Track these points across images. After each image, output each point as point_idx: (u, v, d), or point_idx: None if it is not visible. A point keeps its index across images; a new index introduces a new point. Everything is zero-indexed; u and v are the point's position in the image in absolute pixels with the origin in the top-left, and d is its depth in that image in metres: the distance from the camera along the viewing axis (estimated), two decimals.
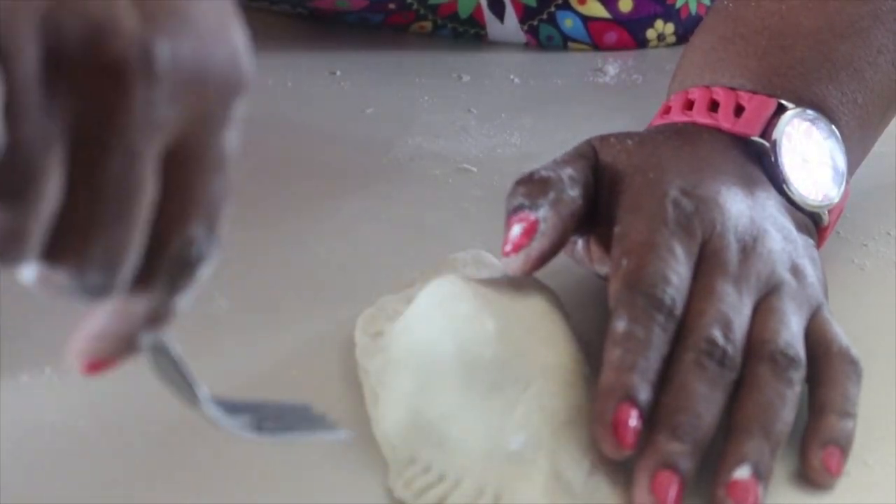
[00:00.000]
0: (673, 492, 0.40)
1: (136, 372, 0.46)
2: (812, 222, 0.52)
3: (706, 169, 0.49)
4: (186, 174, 0.34)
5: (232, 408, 0.38)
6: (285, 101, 0.68)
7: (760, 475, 0.41)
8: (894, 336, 0.50)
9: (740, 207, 0.48)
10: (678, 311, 0.43)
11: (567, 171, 0.47)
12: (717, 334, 0.43)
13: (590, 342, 0.46)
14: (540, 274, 0.50)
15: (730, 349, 0.43)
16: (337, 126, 0.66)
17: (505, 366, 0.42)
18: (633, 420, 0.40)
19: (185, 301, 0.36)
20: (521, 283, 0.47)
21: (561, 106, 0.70)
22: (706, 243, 0.46)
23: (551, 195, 0.46)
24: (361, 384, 0.45)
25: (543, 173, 0.47)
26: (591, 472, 0.40)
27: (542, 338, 0.44)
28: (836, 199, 0.52)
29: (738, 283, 0.45)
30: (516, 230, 0.46)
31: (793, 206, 0.51)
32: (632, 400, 0.40)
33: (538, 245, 0.45)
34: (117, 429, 0.43)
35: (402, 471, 0.41)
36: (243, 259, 0.53)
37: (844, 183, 0.53)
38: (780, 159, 0.51)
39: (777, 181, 0.51)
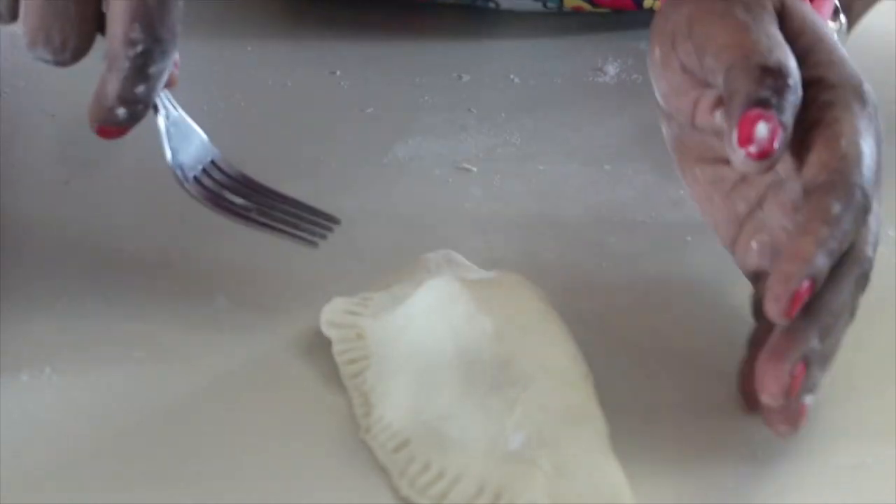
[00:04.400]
0: None
1: (136, 372, 0.46)
2: None
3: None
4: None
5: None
6: (285, 101, 0.68)
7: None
8: (894, 336, 0.50)
9: None
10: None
11: (793, 59, 0.45)
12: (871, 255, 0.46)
13: (585, 342, 0.46)
14: (539, 274, 0.50)
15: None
16: (337, 126, 0.66)
17: (504, 366, 0.42)
18: (805, 298, 0.42)
19: (144, 91, 0.47)
20: (514, 284, 0.47)
21: (561, 106, 0.70)
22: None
23: (793, 98, 0.44)
24: (347, 389, 0.45)
25: (794, 73, 0.45)
26: (591, 472, 0.40)
27: (541, 338, 0.44)
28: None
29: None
30: (763, 130, 0.43)
31: None
32: (813, 281, 0.42)
33: (779, 156, 0.44)
34: (117, 429, 0.43)
35: (404, 470, 0.41)
36: (243, 259, 0.53)
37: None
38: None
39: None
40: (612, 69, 0.75)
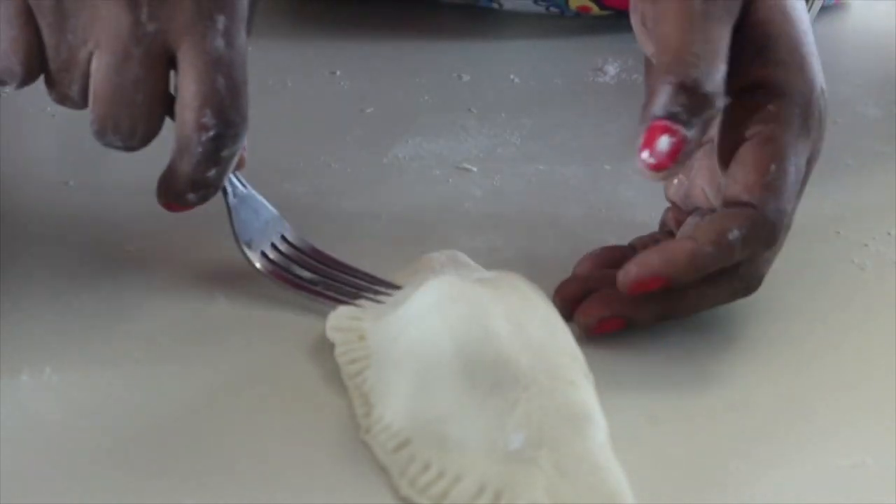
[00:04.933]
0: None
1: (136, 372, 0.46)
2: None
3: (809, 32, 0.49)
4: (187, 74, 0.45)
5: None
6: (285, 101, 0.68)
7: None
8: (894, 336, 0.50)
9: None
10: None
11: (721, 72, 0.45)
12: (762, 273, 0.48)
13: (585, 342, 0.46)
14: (539, 274, 0.50)
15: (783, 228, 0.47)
16: (337, 126, 0.66)
17: (504, 366, 0.42)
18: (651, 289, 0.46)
19: (215, 175, 0.47)
20: (515, 284, 0.47)
21: (561, 106, 0.70)
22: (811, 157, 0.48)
23: (706, 114, 0.45)
24: (347, 389, 0.45)
25: (709, 87, 0.45)
26: (592, 472, 0.40)
27: (541, 337, 0.44)
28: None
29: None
30: (664, 144, 0.44)
31: None
32: (669, 282, 0.46)
33: (678, 169, 0.45)
34: (117, 429, 0.43)
35: (404, 470, 0.41)
36: (243, 259, 0.53)
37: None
38: None
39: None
40: (612, 69, 0.75)
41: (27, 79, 0.46)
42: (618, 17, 0.81)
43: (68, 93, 0.47)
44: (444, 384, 0.42)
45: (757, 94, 0.47)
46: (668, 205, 0.54)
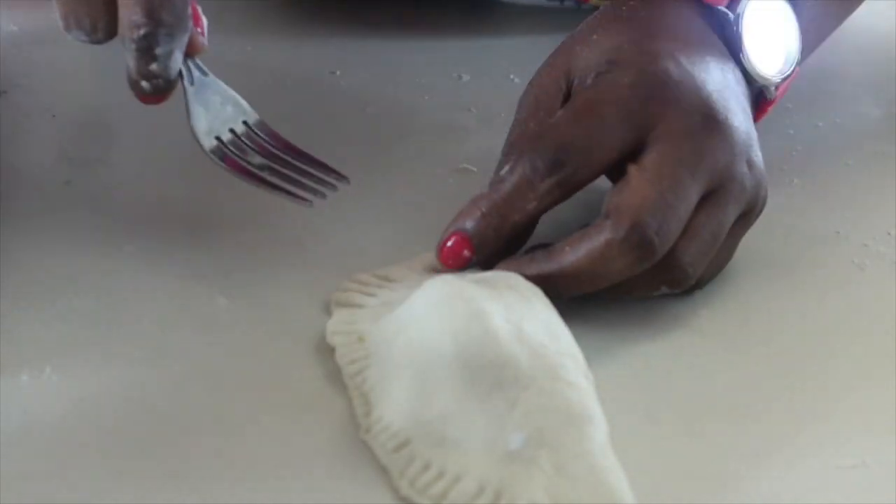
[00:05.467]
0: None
1: (136, 372, 0.46)
2: (756, 97, 0.55)
3: (686, 36, 0.52)
4: None
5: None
6: (285, 101, 0.68)
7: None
8: (894, 336, 0.50)
9: (713, 78, 0.51)
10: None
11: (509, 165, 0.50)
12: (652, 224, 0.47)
13: (585, 342, 0.46)
14: None
15: (657, 245, 0.47)
16: (337, 126, 0.66)
17: (504, 366, 0.42)
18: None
19: (158, 68, 0.49)
20: (513, 283, 0.47)
21: None
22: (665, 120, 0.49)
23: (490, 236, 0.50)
24: (347, 388, 0.45)
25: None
26: (592, 472, 0.40)
27: (541, 337, 0.44)
28: (787, 74, 0.55)
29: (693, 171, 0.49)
30: (449, 243, 0.50)
31: (745, 78, 0.54)
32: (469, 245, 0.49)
33: (454, 225, 0.50)
34: (117, 429, 0.43)
35: (404, 470, 0.41)
36: (243, 258, 0.53)
37: (796, 62, 0.56)
38: (740, 30, 0.54)
39: (735, 52, 0.54)
40: None
41: None
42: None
43: None
44: (443, 384, 0.42)
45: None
46: None
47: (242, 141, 0.53)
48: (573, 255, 0.48)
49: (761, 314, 0.51)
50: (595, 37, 0.52)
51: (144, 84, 0.50)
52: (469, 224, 0.49)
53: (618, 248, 0.47)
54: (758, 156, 0.51)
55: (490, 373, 0.42)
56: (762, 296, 0.52)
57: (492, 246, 0.49)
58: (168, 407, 0.44)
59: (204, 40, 0.53)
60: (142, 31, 0.49)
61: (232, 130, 0.53)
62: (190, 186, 0.58)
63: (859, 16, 0.66)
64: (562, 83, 0.52)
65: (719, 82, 0.51)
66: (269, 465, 0.42)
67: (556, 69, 0.53)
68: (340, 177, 0.52)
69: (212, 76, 0.53)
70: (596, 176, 0.49)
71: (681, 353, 0.48)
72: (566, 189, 0.49)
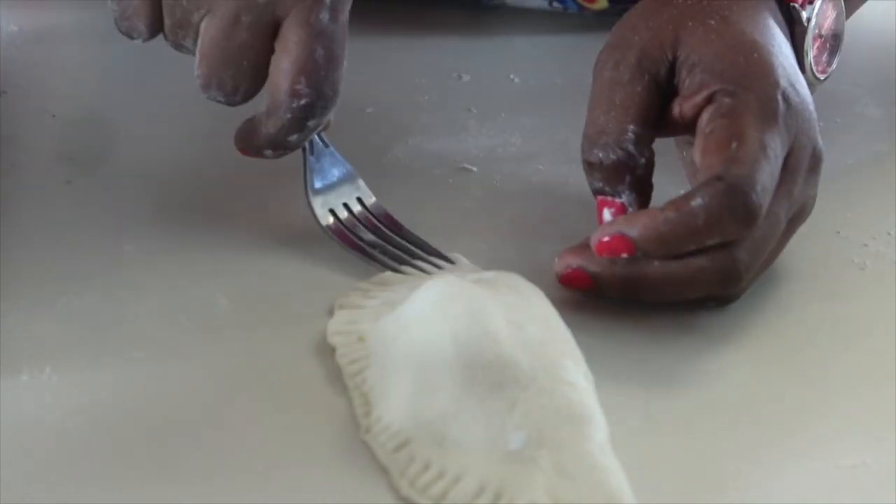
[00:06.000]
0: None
1: (136, 372, 0.46)
2: None
3: (776, 45, 0.51)
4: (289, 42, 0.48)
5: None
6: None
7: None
8: (894, 336, 0.50)
9: (807, 98, 0.51)
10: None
11: (630, 132, 0.49)
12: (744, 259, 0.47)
13: (585, 342, 0.46)
14: (539, 274, 0.50)
15: (744, 280, 0.48)
16: (337, 126, 0.66)
17: (504, 366, 0.42)
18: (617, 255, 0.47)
19: (296, 140, 0.50)
20: (513, 283, 0.47)
21: (561, 105, 0.70)
22: (794, 147, 0.49)
23: (628, 178, 0.49)
24: (348, 388, 0.45)
25: (615, 155, 0.49)
26: (592, 472, 0.40)
27: (541, 337, 0.44)
28: (831, 71, 0.57)
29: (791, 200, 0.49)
30: (606, 215, 0.50)
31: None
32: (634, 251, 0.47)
33: (624, 230, 0.47)
34: (117, 429, 0.43)
35: (404, 470, 0.41)
36: (243, 258, 0.53)
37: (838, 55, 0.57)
38: (810, 31, 0.54)
39: (800, 52, 0.54)
40: None
41: (149, 36, 0.51)
42: (620, 14, 0.81)
43: (182, 44, 0.50)
44: (444, 384, 0.42)
45: (715, 98, 0.49)
46: None
47: (356, 217, 0.53)
48: (663, 275, 0.47)
49: (761, 314, 0.51)
50: (712, 22, 0.51)
51: (268, 152, 0.50)
52: (643, 238, 0.47)
53: (708, 276, 0.47)
54: (817, 173, 0.52)
55: (490, 373, 0.42)
56: (762, 296, 0.52)
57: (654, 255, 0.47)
58: (168, 407, 0.44)
59: (331, 116, 0.52)
60: (303, 102, 0.48)
61: (346, 205, 0.54)
62: (190, 186, 0.58)
63: (859, 16, 0.66)
64: (668, 52, 0.51)
65: (809, 100, 0.51)
66: (269, 465, 0.42)
67: (662, 34, 0.51)
68: (447, 260, 0.52)
69: (332, 148, 0.54)
70: None
71: (680, 353, 0.48)
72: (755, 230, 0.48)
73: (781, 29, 0.53)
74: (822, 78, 0.56)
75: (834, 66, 0.57)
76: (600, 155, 0.50)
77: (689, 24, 0.51)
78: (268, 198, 0.57)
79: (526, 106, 0.70)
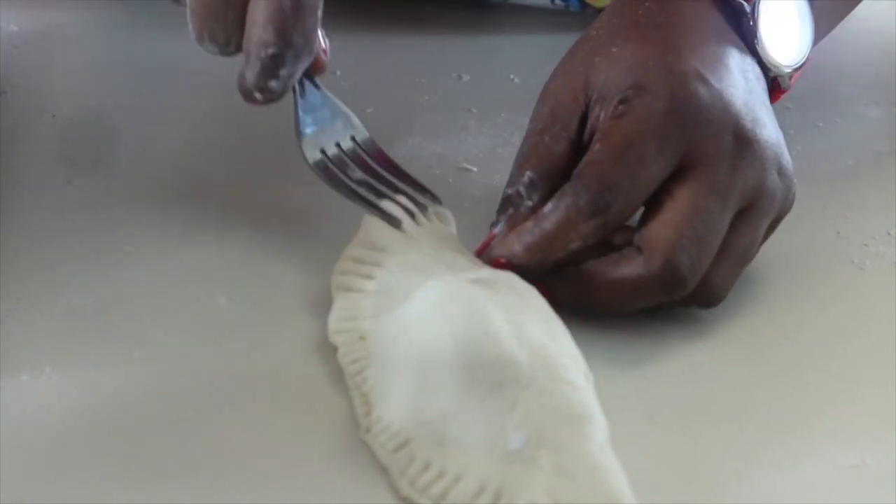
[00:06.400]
0: None
1: (136, 372, 0.46)
2: (770, 86, 0.54)
3: (706, 42, 0.51)
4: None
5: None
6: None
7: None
8: (894, 336, 0.50)
9: (739, 90, 0.50)
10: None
11: (526, 177, 0.51)
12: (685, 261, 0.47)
13: (585, 342, 0.46)
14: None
15: (689, 281, 0.47)
16: None
17: (504, 366, 0.42)
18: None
19: (277, 86, 0.51)
20: (511, 283, 0.47)
21: None
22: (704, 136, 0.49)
23: (508, 212, 0.51)
24: (348, 388, 0.45)
25: (507, 191, 0.51)
26: (592, 472, 0.40)
27: (540, 337, 0.44)
28: (800, 63, 0.55)
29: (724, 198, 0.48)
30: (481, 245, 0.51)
31: (761, 68, 0.54)
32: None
33: (494, 254, 0.50)
34: (117, 429, 0.43)
35: (404, 470, 0.41)
36: (243, 258, 0.53)
37: (809, 49, 0.56)
38: (757, 21, 0.53)
39: (751, 43, 0.53)
40: None
41: None
42: None
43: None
44: (444, 384, 0.42)
45: (609, 107, 0.50)
46: None
47: (346, 155, 0.54)
48: (606, 285, 0.48)
49: (761, 314, 0.51)
50: (615, 49, 0.51)
51: (258, 95, 0.51)
52: (514, 254, 0.49)
53: (649, 284, 0.47)
54: (787, 159, 0.51)
55: (490, 373, 0.42)
56: (762, 296, 0.52)
57: (534, 277, 0.48)
58: (168, 407, 0.44)
59: (326, 60, 0.54)
60: (270, 51, 0.49)
61: (338, 145, 0.54)
62: (190, 186, 0.58)
63: (859, 16, 0.66)
64: (580, 98, 0.51)
65: (744, 91, 0.51)
66: (269, 465, 0.41)
67: (573, 80, 0.52)
68: (434, 197, 0.53)
69: (324, 90, 0.54)
70: (636, 211, 0.49)
71: (680, 353, 0.48)
72: (610, 228, 0.48)
73: (717, 23, 0.53)
74: (786, 65, 0.55)
75: (805, 54, 0.56)
76: (505, 189, 0.52)
77: (596, 59, 0.51)
78: (268, 198, 0.57)
79: (526, 106, 0.69)
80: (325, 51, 0.53)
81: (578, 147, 0.51)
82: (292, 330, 0.48)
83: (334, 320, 0.48)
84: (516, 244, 0.49)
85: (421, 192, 0.53)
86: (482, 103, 0.69)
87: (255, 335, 0.48)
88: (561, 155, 0.51)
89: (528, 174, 0.51)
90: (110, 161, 0.61)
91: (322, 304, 0.50)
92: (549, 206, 0.48)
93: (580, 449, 0.40)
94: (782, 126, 0.52)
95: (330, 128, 0.54)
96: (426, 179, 0.61)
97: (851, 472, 0.43)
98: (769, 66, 0.54)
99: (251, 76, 0.50)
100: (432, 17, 0.81)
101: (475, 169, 0.62)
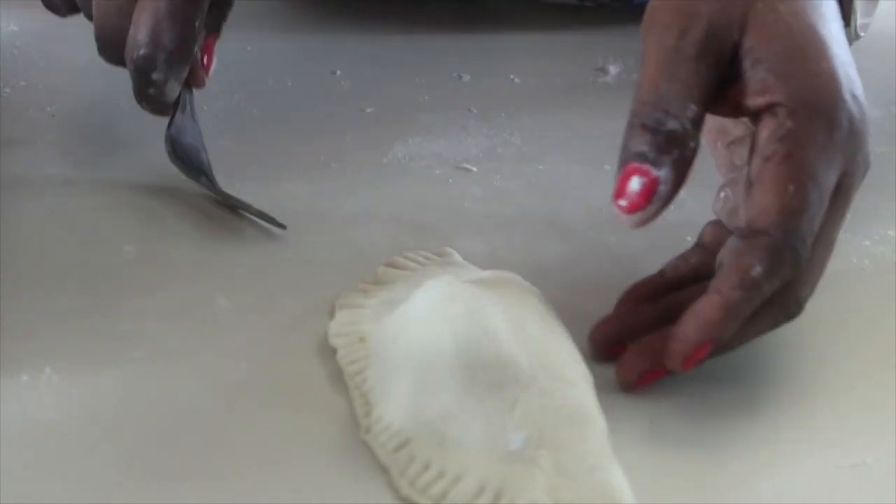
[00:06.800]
0: None
1: (136, 372, 0.46)
2: None
3: (839, 42, 0.47)
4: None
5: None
6: (285, 101, 0.68)
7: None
8: (894, 336, 0.50)
9: (855, 79, 0.47)
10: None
11: (691, 111, 0.45)
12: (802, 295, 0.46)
13: (585, 341, 0.46)
14: (539, 274, 0.50)
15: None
16: (337, 126, 0.66)
17: (504, 366, 0.42)
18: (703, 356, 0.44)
19: (156, 93, 0.52)
20: (511, 283, 0.47)
21: (561, 106, 0.70)
22: (848, 168, 0.47)
23: (675, 153, 0.44)
24: (348, 388, 0.45)
25: (672, 125, 0.44)
26: (592, 472, 0.40)
27: (540, 337, 0.44)
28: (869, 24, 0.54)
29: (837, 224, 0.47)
30: (635, 184, 0.44)
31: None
32: (714, 342, 0.44)
33: (654, 209, 0.44)
34: (117, 429, 0.43)
35: (404, 470, 0.41)
36: (243, 258, 0.53)
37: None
38: None
39: (846, 11, 0.51)
40: (612, 69, 0.75)
41: (67, 13, 0.59)
42: (621, 12, 0.81)
43: (88, 14, 0.55)
44: (444, 384, 0.42)
45: (777, 113, 0.45)
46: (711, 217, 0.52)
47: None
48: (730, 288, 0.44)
49: None
50: (772, 18, 0.46)
51: (142, 104, 0.52)
52: (716, 331, 0.44)
53: (781, 255, 0.44)
54: (868, 146, 0.48)
55: (490, 373, 0.42)
56: None
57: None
58: (168, 407, 0.44)
59: (205, 77, 0.55)
60: (142, 52, 0.50)
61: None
62: (190, 186, 0.58)
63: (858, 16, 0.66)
64: (735, 33, 0.46)
65: (866, 110, 0.48)
66: (269, 465, 0.42)
67: (731, 9, 0.46)
68: (278, 224, 0.55)
69: (197, 120, 0.57)
70: None
71: None
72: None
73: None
74: (862, 35, 0.53)
75: (872, 18, 0.55)
76: (658, 118, 0.44)
77: (759, 4, 0.46)
78: (268, 198, 0.57)
79: (526, 106, 0.70)
80: (206, 66, 0.55)
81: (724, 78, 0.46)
82: (292, 330, 0.48)
83: (335, 326, 0.48)
84: (715, 321, 0.43)
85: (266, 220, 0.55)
86: (482, 103, 0.69)
87: (255, 335, 0.48)
88: (715, 88, 0.46)
89: (692, 108, 0.44)
90: (110, 161, 0.61)
91: (322, 305, 0.50)
92: (722, 276, 0.43)
93: (580, 449, 0.40)
94: None
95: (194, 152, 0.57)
96: (426, 179, 0.61)
97: (851, 472, 0.43)
98: (850, 36, 0.51)
99: (133, 83, 0.51)
100: (432, 17, 0.82)
101: (475, 169, 0.62)
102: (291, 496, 0.40)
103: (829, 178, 0.45)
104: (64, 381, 0.45)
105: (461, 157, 0.63)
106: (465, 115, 0.68)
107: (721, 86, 0.46)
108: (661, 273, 0.50)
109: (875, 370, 0.48)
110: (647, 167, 0.44)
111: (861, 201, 0.60)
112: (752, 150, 0.46)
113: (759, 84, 0.45)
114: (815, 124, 0.45)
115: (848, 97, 0.46)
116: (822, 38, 0.47)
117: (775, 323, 0.46)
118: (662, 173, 0.44)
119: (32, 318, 0.48)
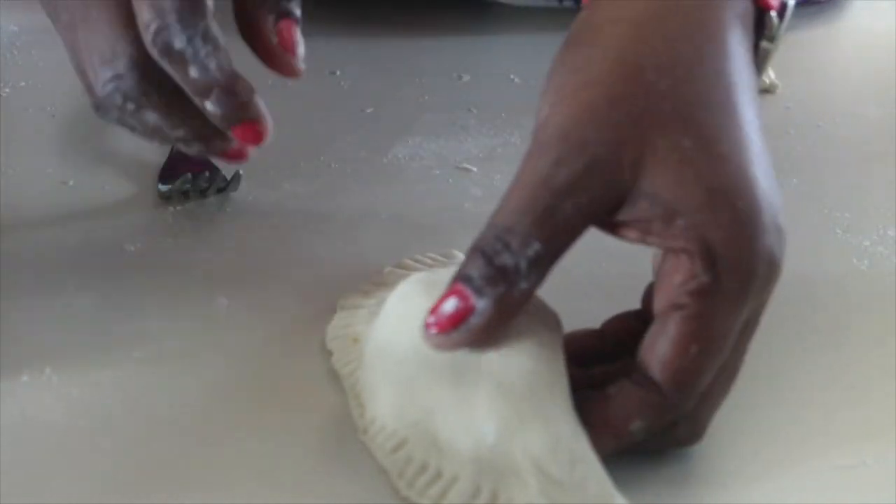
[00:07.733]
0: None
1: (136, 372, 0.46)
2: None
3: (758, 160, 0.42)
4: None
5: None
6: (285, 101, 0.68)
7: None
8: (894, 336, 0.50)
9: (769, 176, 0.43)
10: None
11: (533, 250, 0.40)
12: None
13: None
14: None
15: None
16: (337, 126, 0.66)
17: (458, 355, 0.41)
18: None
19: (196, 68, 0.46)
20: None
21: None
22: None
23: (501, 289, 0.40)
24: (345, 390, 0.45)
25: (506, 261, 0.40)
26: (572, 465, 0.39)
27: None
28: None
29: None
30: (449, 306, 0.40)
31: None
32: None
33: (459, 338, 0.40)
34: (117, 429, 0.43)
35: (402, 471, 0.41)
36: (243, 258, 0.53)
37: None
38: (777, 41, 0.46)
39: (761, 63, 0.46)
40: None
41: None
42: None
43: None
44: (418, 381, 0.42)
45: (693, 260, 0.40)
46: None
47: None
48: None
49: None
50: (676, 158, 0.41)
51: (209, 105, 0.46)
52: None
53: (665, 415, 0.41)
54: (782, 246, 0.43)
55: (449, 365, 0.41)
56: None
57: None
58: (168, 407, 0.44)
59: (294, 63, 0.50)
60: (153, 28, 0.44)
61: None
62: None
63: (859, 15, 0.66)
64: (627, 173, 0.41)
65: (783, 229, 0.43)
66: (268, 466, 0.41)
67: (621, 141, 0.41)
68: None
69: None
70: None
71: None
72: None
73: (746, 57, 0.45)
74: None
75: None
76: (495, 249, 0.40)
77: (660, 141, 0.41)
78: (268, 199, 0.57)
79: (526, 106, 0.69)
80: (290, 50, 0.50)
81: (599, 222, 0.42)
82: (293, 330, 0.48)
83: (332, 329, 0.48)
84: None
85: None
86: (482, 103, 0.69)
87: (255, 335, 0.48)
88: (579, 233, 0.41)
89: (535, 248, 0.40)
90: (110, 161, 0.61)
91: (322, 305, 0.50)
92: (635, 424, 0.41)
93: (545, 421, 0.39)
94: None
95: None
96: (426, 179, 0.61)
97: (851, 472, 0.43)
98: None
99: (175, 74, 0.46)
100: (432, 17, 0.82)
101: (475, 169, 0.62)
102: (291, 496, 0.40)
103: (737, 328, 0.42)
104: (64, 381, 0.45)
105: (461, 157, 0.63)
106: (465, 115, 0.68)
107: (611, 215, 0.41)
108: (601, 334, 0.46)
109: (875, 370, 0.48)
110: (468, 293, 0.40)
111: (861, 201, 0.60)
112: (660, 274, 0.42)
113: (666, 230, 0.41)
114: (731, 278, 0.41)
115: (769, 233, 0.42)
116: (738, 165, 0.41)
117: (679, 443, 0.43)
118: (480, 305, 0.40)
119: (32, 318, 0.48)
